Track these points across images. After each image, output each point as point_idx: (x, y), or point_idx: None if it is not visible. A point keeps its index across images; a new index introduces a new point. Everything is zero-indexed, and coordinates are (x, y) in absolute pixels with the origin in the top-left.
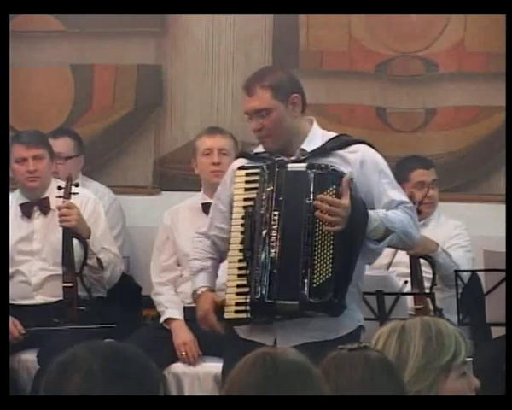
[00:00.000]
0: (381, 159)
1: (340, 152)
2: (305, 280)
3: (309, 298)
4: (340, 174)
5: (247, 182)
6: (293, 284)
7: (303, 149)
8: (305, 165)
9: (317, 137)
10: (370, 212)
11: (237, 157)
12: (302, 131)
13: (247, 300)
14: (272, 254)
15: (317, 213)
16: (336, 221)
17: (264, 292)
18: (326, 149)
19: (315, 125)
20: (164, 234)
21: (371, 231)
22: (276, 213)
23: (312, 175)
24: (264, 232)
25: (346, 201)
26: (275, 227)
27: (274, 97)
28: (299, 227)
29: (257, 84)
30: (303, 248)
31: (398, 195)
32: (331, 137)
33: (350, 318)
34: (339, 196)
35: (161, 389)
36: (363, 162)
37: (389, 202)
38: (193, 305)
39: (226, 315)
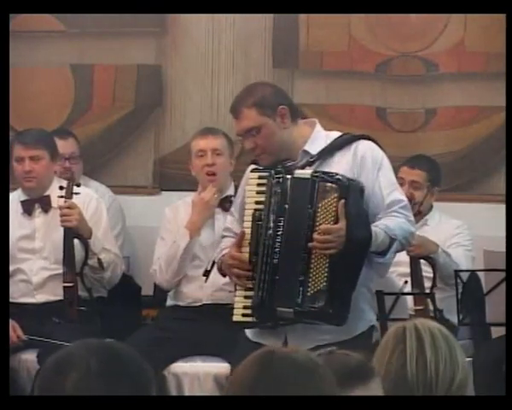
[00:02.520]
0: (382, 155)
1: (343, 151)
2: (301, 288)
3: (302, 306)
4: (345, 183)
5: (258, 185)
6: (291, 291)
7: (306, 151)
8: (310, 172)
9: (319, 138)
10: (374, 228)
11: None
12: (301, 136)
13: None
14: (275, 261)
15: (312, 243)
16: (329, 247)
17: (264, 298)
18: (330, 150)
19: (317, 126)
20: (168, 225)
21: (379, 245)
22: (280, 219)
23: (316, 183)
24: (269, 238)
25: (338, 225)
26: (279, 233)
27: (260, 114)
28: (301, 235)
29: (242, 105)
30: (301, 255)
31: (394, 193)
32: (335, 136)
33: (361, 319)
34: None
35: (153, 389)
36: (363, 158)
37: (382, 199)
38: (193, 305)
39: (234, 318)
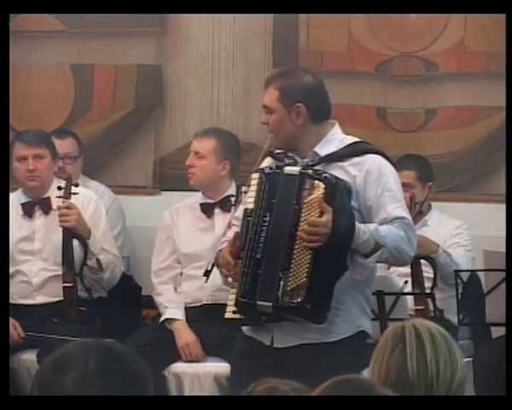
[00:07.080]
0: (390, 171)
1: (352, 159)
2: (281, 283)
3: (281, 300)
4: (332, 180)
5: (258, 184)
6: (271, 285)
7: (315, 152)
8: (298, 169)
9: (333, 141)
10: (360, 225)
11: (266, 156)
12: (316, 136)
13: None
14: (258, 256)
15: (300, 233)
16: (315, 240)
17: (246, 292)
18: (337, 155)
19: (334, 129)
20: (164, 233)
21: (360, 245)
22: (267, 214)
23: (303, 180)
24: (254, 233)
25: (324, 218)
26: (264, 228)
27: (279, 100)
28: (284, 230)
29: (272, 81)
30: (283, 250)
31: (398, 210)
32: (348, 143)
33: (349, 322)
34: (326, 201)
35: (151, 389)
36: (368, 172)
37: (385, 216)
38: (193, 305)
39: (226, 315)
